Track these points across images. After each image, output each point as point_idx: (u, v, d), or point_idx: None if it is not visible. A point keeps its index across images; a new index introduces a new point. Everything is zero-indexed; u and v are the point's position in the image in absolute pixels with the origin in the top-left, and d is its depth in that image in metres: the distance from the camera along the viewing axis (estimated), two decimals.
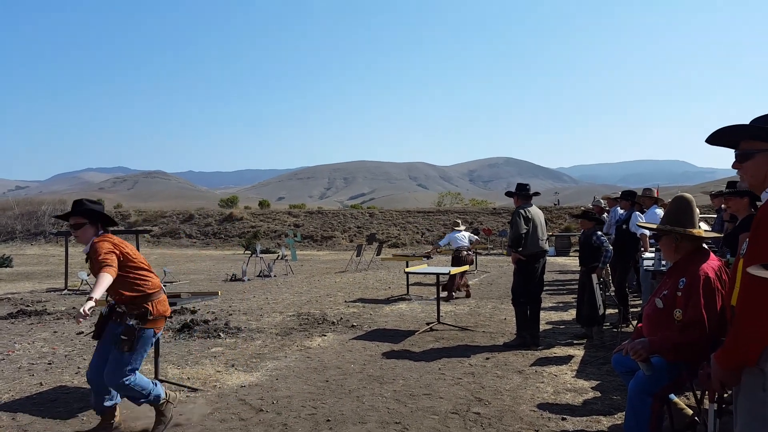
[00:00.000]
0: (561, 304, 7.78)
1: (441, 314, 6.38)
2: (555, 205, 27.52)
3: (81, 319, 2.73)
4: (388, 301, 8.23)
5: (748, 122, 1.79)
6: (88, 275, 9.66)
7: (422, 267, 7.53)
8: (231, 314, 7.05)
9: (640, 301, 6.93)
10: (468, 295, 8.45)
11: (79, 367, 4.54)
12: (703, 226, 3.23)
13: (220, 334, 5.76)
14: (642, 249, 6.14)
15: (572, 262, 14.91)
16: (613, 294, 5.85)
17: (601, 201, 7.68)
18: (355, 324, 6.36)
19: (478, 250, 13.02)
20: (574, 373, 4.32)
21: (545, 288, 5.77)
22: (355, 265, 13.96)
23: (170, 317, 6.47)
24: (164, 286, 7.71)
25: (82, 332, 5.99)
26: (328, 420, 3.31)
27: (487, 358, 4.75)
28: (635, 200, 6.37)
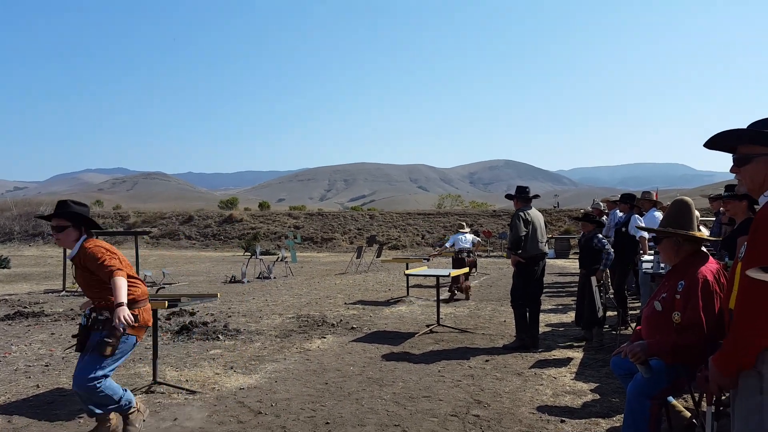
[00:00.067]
0: (560, 307, 7.78)
1: (441, 316, 6.38)
2: (555, 207, 27.55)
3: (127, 330, 2.77)
4: (388, 303, 8.23)
5: (746, 126, 1.80)
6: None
7: (422, 269, 7.53)
8: (230, 316, 7.04)
9: (639, 304, 6.93)
10: (467, 297, 8.47)
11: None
12: (702, 230, 3.23)
13: (219, 336, 5.75)
14: (641, 252, 6.15)
15: (571, 264, 14.91)
16: (612, 296, 5.86)
17: (601, 204, 7.69)
18: (354, 326, 6.36)
19: (478, 252, 13.14)
20: (573, 375, 4.32)
21: (544, 290, 5.77)
22: (355, 267, 13.96)
23: (168, 319, 6.50)
24: (163, 287, 7.62)
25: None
26: (327, 423, 3.31)
27: (487, 361, 4.75)
28: (634, 203, 6.38)
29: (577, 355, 4.96)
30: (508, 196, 5.62)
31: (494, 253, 19.27)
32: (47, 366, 4.67)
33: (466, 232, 9.00)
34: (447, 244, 9.06)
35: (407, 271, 7.03)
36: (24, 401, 3.76)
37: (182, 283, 11.11)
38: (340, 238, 23.75)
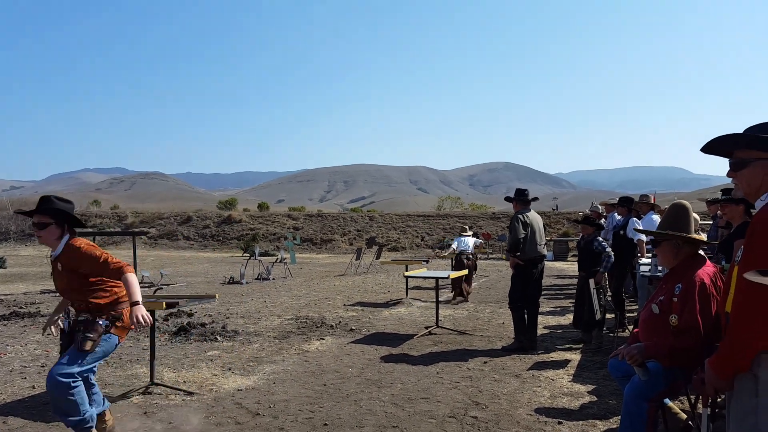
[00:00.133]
0: (558, 309, 7.79)
1: (439, 318, 6.39)
2: (553, 210, 27.59)
3: (147, 326, 2.71)
4: (386, 304, 8.24)
5: (742, 131, 1.82)
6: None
7: (421, 271, 7.55)
8: (228, 317, 7.04)
9: (637, 307, 6.95)
10: (466, 300, 8.49)
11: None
12: (700, 234, 3.25)
13: (217, 337, 5.75)
14: (639, 255, 6.17)
15: (570, 266, 14.94)
16: (609, 299, 5.88)
17: (599, 207, 7.71)
18: (353, 328, 6.36)
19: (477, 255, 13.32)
20: (571, 377, 4.33)
21: (543, 293, 5.79)
22: (354, 269, 13.96)
23: (166, 320, 6.49)
24: (161, 288, 7.59)
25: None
26: (326, 424, 3.31)
27: (485, 362, 4.76)
28: (632, 206, 6.40)
29: (575, 357, 4.98)
30: (508, 199, 5.64)
31: (493, 256, 19.29)
32: (43, 367, 4.66)
33: (468, 235, 9.17)
34: (453, 246, 9.20)
35: (406, 273, 7.04)
36: (20, 402, 3.75)
37: (180, 284, 11.10)
38: (339, 239, 23.75)
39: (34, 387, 4.09)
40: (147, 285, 10.54)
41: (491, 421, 3.36)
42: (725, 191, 4.16)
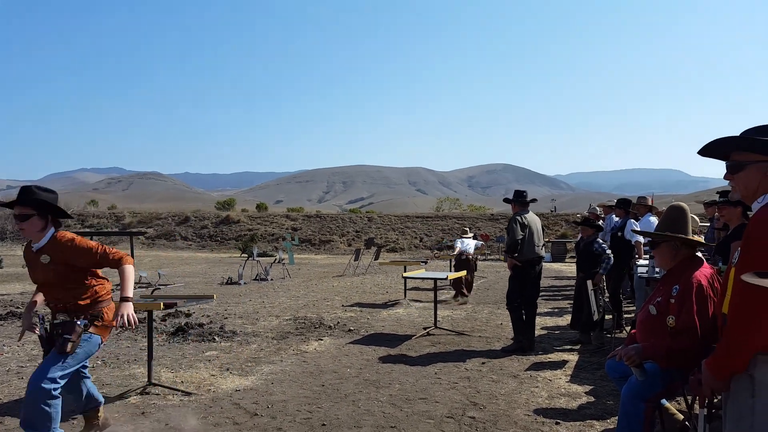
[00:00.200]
0: (556, 310, 7.80)
1: (438, 319, 6.40)
2: (552, 211, 27.64)
3: (130, 328, 2.59)
4: (385, 305, 8.24)
5: (739, 133, 1.83)
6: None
7: (420, 272, 7.56)
8: (226, 318, 7.03)
9: (634, 308, 6.97)
10: (467, 296, 8.61)
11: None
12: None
13: (215, 337, 5.74)
14: (636, 256, 6.19)
15: (568, 268, 14.96)
16: (607, 300, 5.90)
17: (597, 208, 7.74)
18: (352, 328, 6.36)
19: (476, 256, 13.48)
20: (569, 378, 4.34)
21: (541, 293, 5.81)
22: (352, 270, 13.96)
23: (164, 321, 6.47)
24: (158, 288, 7.57)
25: None
26: (324, 424, 3.31)
27: (483, 363, 4.77)
28: (630, 208, 6.43)
29: (573, 357, 4.99)
30: (506, 200, 5.66)
31: (491, 257, 19.31)
32: None
33: (469, 237, 9.41)
34: (457, 245, 9.41)
35: (405, 274, 7.05)
36: (16, 402, 3.73)
37: (178, 284, 11.08)
38: (338, 240, 23.74)
39: None
40: (144, 285, 10.52)
41: (489, 421, 3.36)
42: (722, 193, 4.18)
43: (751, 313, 1.60)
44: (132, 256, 12.12)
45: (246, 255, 16.61)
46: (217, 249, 23.35)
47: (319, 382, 4.20)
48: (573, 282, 8.46)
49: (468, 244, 9.10)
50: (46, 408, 2.54)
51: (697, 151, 1.87)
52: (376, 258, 14.65)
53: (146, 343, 4.23)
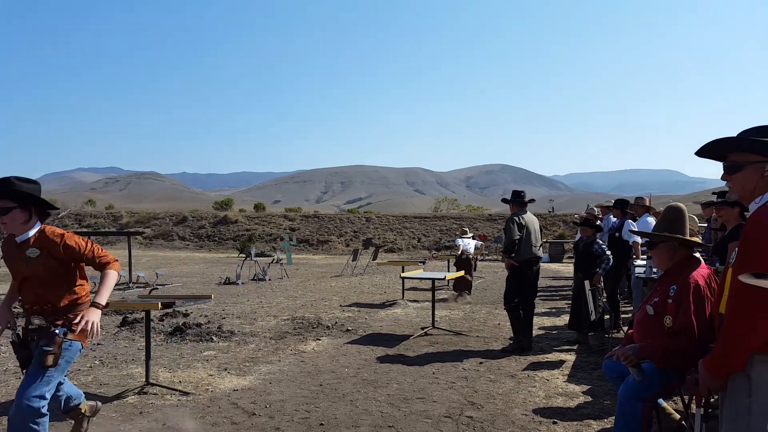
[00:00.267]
0: (554, 310, 7.82)
1: (435, 319, 6.40)
2: (550, 212, 27.68)
3: (92, 338, 2.38)
4: (383, 305, 8.24)
5: (736, 134, 1.84)
6: None
7: (418, 272, 7.56)
8: (224, 318, 7.02)
9: (631, 308, 6.99)
10: (468, 292, 8.76)
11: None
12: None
13: (213, 337, 5.73)
14: (634, 256, 6.21)
15: (565, 268, 15.00)
16: (605, 300, 5.91)
17: (595, 209, 7.76)
18: (350, 328, 6.36)
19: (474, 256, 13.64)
20: (566, 377, 4.35)
21: (538, 294, 5.82)
22: (350, 270, 13.95)
23: (161, 320, 6.46)
24: (156, 288, 7.53)
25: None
26: (321, 424, 3.31)
27: (481, 363, 4.78)
28: (627, 209, 6.45)
29: (570, 357, 5.00)
30: (504, 200, 5.67)
31: (489, 257, 19.33)
32: None
33: (468, 237, 9.59)
34: (458, 243, 9.56)
35: (403, 274, 7.05)
36: (13, 402, 3.72)
37: (176, 284, 11.05)
38: (336, 240, 23.73)
39: None
40: (142, 285, 10.49)
41: (487, 421, 3.37)
42: (719, 194, 4.20)
43: (748, 313, 1.61)
44: (129, 256, 12.01)
45: (244, 255, 16.58)
46: (215, 249, 23.30)
47: (317, 381, 4.20)
48: (570, 282, 8.46)
49: (468, 243, 9.20)
50: (35, 427, 2.43)
51: (695, 151, 1.88)
52: (374, 258, 14.65)
53: (144, 343, 4.21)
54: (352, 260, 14.05)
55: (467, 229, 10.59)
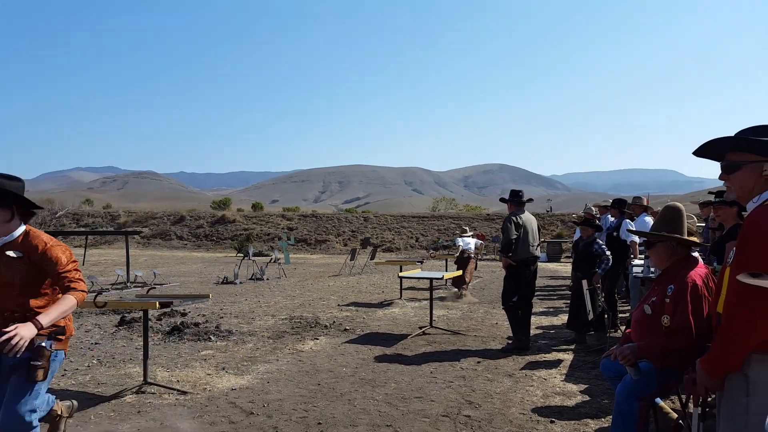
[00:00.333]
0: (551, 309, 7.83)
1: (433, 318, 6.40)
2: (547, 212, 27.75)
3: (8, 353, 2.10)
4: (381, 305, 8.24)
5: (734, 134, 1.84)
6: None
7: (416, 272, 7.56)
8: (222, 317, 7.01)
9: (629, 307, 7.01)
10: (466, 286, 8.83)
11: (65, 370, 4.49)
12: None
13: (211, 337, 5.72)
14: (632, 256, 6.22)
15: (563, 267, 15.02)
16: (602, 300, 5.91)
17: (593, 208, 7.78)
18: (347, 328, 6.36)
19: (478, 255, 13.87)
20: (563, 377, 4.36)
21: (536, 293, 5.83)
22: (348, 269, 13.94)
23: (159, 320, 6.44)
24: (154, 288, 7.48)
25: None
26: (319, 423, 3.31)
27: (478, 362, 4.78)
28: (625, 208, 6.45)
29: (568, 357, 5.01)
30: (502, 200, 5.67)
31: (487, 256, 19.35)
32: None
33: (468, 236, 9.68)
34: (458, 244, 9.60)
35: (401, 274, 7.05)
36: None
37: (173, 283, 11.03)
38: (333, 240, 23.72)
39: None
40: (140, 284, 10.47)
41: (484, 420, 3.37)
42: (717, 194, 4.20)
43: (745, 312, 1.61)
44: (127, 255, 11.94)
45: (242, 254, 16.55)
46: (213, 248, 23.26)
47: (314, 381, 4.20)
48: (568, 282, 8.47)
49: (469, 242, 9.28)
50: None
51: (693, 151, 1.88)
52: (372, 258, 14.65)
53: (142, 342, 4.21)
54: (350, 260, 14.05)
55: (467, 228, 10.67)
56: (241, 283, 11.08)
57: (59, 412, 2.85)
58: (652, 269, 4.40)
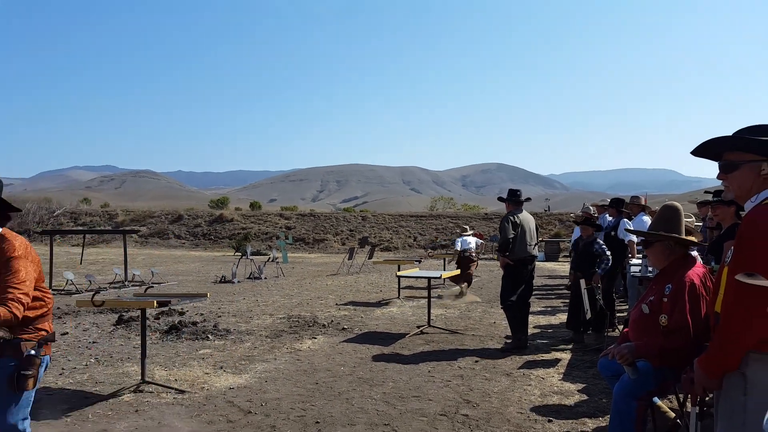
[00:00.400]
0: (549, 309, 7.85)
1: (431, 317, 6.41)
2: (546, 211, 27.79)
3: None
4: (379, 304, 8.24)
5: (731, 133, 1.84)
6: (69, 282, 9.41)
7: (414, 271, 7.57)
8: (220, 316, 7.00)
9: (627, 307, 7.02)
10: (468, 284, 8.90)
11: (63, 369, 4.48)
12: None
13: (209, 335, 5.71)
14: (629, 255, 6.24)
15: (561, 267, 15.05)
16: (601, 300, 5.93)
17: (591, 208, 7.79)
18: (345, 327, 6.36)
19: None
20: (561, 376, 4.37)
21: (534, 292, 5.84)
22: (346, 268, 13.94)
23: (157, 319, 6.43)
24: (152, 287, 7.47)
25: (67, 332, 5.91)
26: (317, 422, 3.31)
27: (476, 361, 4.79)
28: (623, 208, 6.46)
29: (565, 356, 5.02)
30: (500, 199, 5.68)
31: (485, 256, 19.37)
32: None
33: (469, 235, 9.73)
34: (457, 247, 9.59)
35: (399, 273, 7.05)
36: None
37: (171, 282, 11.01)
38: (332, 239, 23.71)
39: None
40: (138, 283, 10.44)
41: (482, 419, 3.37)
42: (715, 193, 4.21)
43: (743, 311, 1.61)
44: (125, 254, 11.88)
45: (240, 253, 16.54)
46: (211, 247, 23.23)
47: (312, 380, 4.20)
48: (566, 281, 8.49)
49: (469, 242, 9.31)
50: None
51: (691, 151, 1.88)
52: (370, 257, 14.64)
53: (140, 341, 4.20)
54: (348, 259, 14.04)
55: (467, 227, 10.70)
56: (238, 282, 11.07)
57: None
58: (650, 268, 4.41)
